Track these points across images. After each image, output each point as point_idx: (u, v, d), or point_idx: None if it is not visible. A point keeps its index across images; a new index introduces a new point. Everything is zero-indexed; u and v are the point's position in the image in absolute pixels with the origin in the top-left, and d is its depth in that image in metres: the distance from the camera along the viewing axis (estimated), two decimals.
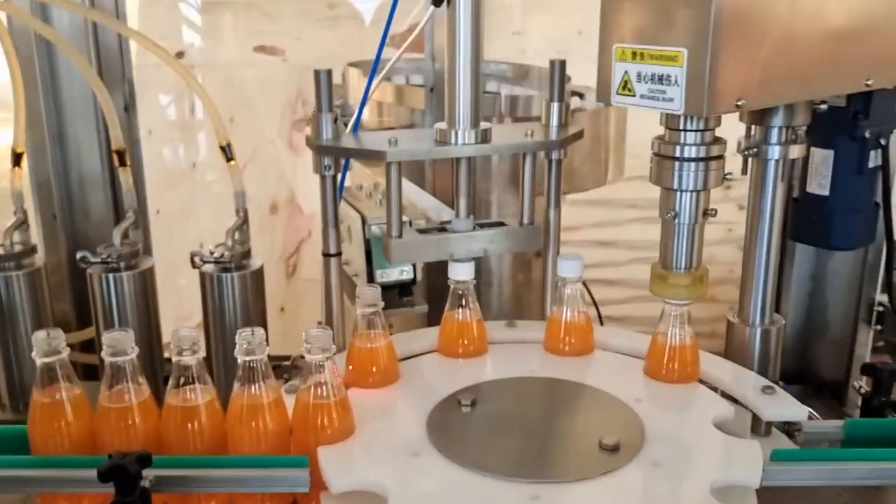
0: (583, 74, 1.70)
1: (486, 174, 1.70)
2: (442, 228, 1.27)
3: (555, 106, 1.31)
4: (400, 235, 1.23)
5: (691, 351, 1.20)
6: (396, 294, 1.51)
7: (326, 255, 1.26)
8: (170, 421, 1.05)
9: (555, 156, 1.32)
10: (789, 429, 1.17)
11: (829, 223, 1.34)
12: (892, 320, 2.65)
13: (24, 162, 1.53)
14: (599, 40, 1.10)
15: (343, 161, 1.25)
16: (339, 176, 1.26)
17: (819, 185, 1.32)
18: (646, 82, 1.05)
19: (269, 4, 3.23)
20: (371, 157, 1.17)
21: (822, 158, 1.31)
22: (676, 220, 1.16)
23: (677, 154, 1.12)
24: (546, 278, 1.40)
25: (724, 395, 1.20)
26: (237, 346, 1.02)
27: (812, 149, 1.33)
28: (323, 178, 1.23)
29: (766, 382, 1.17)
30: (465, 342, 1.27)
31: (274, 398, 1.04)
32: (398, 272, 1.46)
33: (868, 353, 1.74)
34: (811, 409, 1.24)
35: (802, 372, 1.78)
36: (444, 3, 1.14)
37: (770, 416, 1.12)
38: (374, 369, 1.18)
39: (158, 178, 3.31)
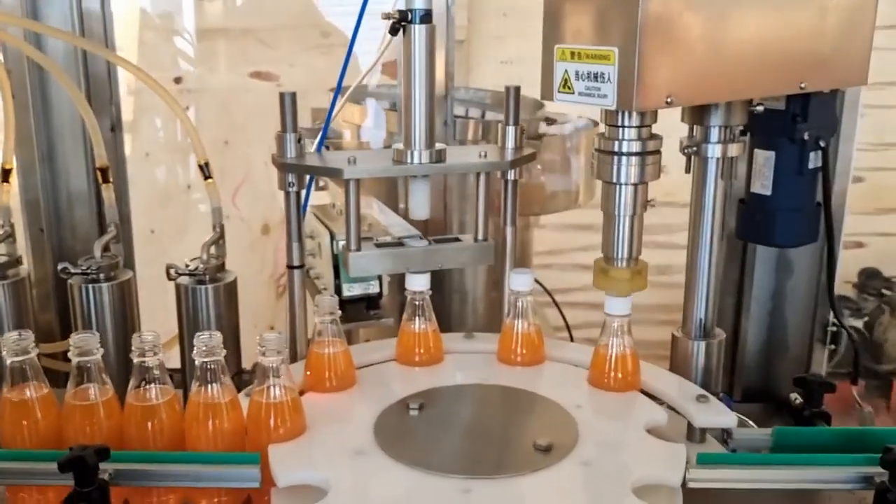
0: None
1: (463, 195, 1.78)
2: (399, 243, 1.35)
3: (510, 129, 1.39)
4: (359, 249, 1.30)
5: (632, 361, 1.26)
6: (364, 307, 1.58)
7: (290, 266, 1.33)
8: (130, 419, 1.11)
9: (510, 176, 1.40)
10: (722, 436, 1.23)
11: (771, 222, 1.39)
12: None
13: (13, 178, 1.61)
14: (543, 42, 1.18)
15: (307, 178, 1.33)
16: (304, 192, 1.33)
17: (762, 185, 1.38)
18: (583, 80, 1.12)
19: (264, 32, 3.34)
20: (329, 174, 1.25)
21: (765, 160, 1.37)
22: (615, 213, 1.23)
23: (616, 149, 1.20)
24: (503, 292, 1.46)
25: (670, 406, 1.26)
26: (195, 348, 1.08)
27: (755, 150, 1.39)
28: (287, 193, 1.30)
29: (701, 392, 1.23)
30: (421, 351, 1.34)
31: (230, 399, 1.11)
32: (364, 286, 1.53)
33: (823, 373, 1.79)
34: (744, 417, 1.30)
35: (765, 389, 1.83)
36: (400, 32, 1.22)
37: (701, 422, 1.18)
38: (331, 375, 1.24)
39: (154, 198, 3.41)
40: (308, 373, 1.25)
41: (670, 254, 2.00)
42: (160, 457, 1.08)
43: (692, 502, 1.05)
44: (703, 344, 1.38)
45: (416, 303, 1.33)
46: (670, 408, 1.24)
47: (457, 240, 1.38)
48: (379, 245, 1.33)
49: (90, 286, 1.52)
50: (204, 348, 1.08)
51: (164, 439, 1.11)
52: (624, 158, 1.20)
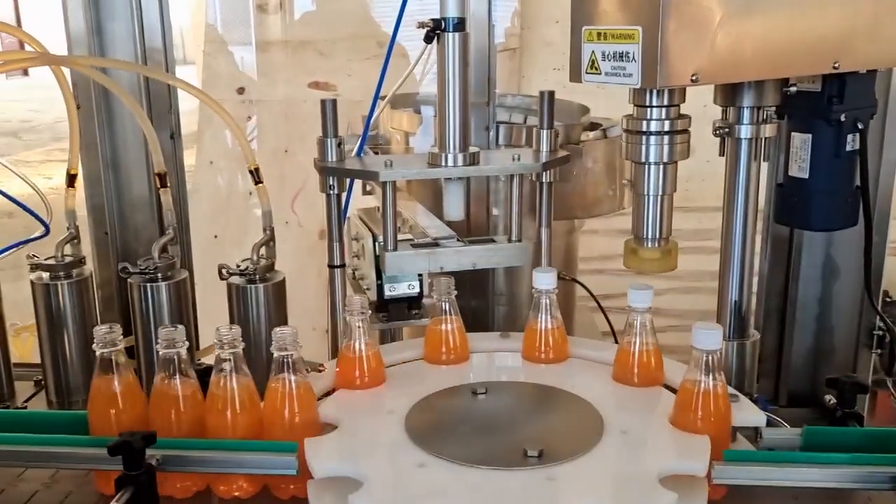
0: (615, 106, 1.80)
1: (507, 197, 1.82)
2: (435, 243, 1.39)
3: (544, 133, 1.42)
4: (395, 248, 1.35)
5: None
6: (405, 307, 1.63)
7: (331, 266, 1.39)
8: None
9: (545, 178, 1.43)
10: (754, 436, 1.24)
11: (807, 205, 1.37)
12: None
13: (79, 183, 1.71)
14: (571, 25, 1.21)
15: (348, 182, 1.38)
16: (345, 195, 1.39)
17: (799, 168, 1.37)
18: (609, 60, 1.15)
19: (322, 44, 3.44)
20: (366, 177, 1.30)
21: (802, 142, 1.35)
22: (644, 193, 1.25)
23: (644, 129, 1.22)
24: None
25: None
26: (274, 343, 1.16)
27: (792, 133, 1.37)
28: (328, 196, 1.36)
29: (732, 391, 1.24)
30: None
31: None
32: (406, 286, 1.58)
33: (870, 378, 1.77)
34: (776, 418, 1.30)
35: (811, 395, 1.81)
36: (434, 39, 1.27)
37: (731, 420, 1.19)
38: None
39: (217, 204, 3.54)
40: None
41: None
42: (204, 444, 1.15)
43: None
44: (736, 344, 1.38)
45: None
46: None
47: (491, 241, 1.41)
48: (415, 245, 1.38)
49: (148, 285, 1.61)
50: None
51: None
52: (652, 138, 1.21)
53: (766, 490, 1.12)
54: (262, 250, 1.66)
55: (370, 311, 1.30)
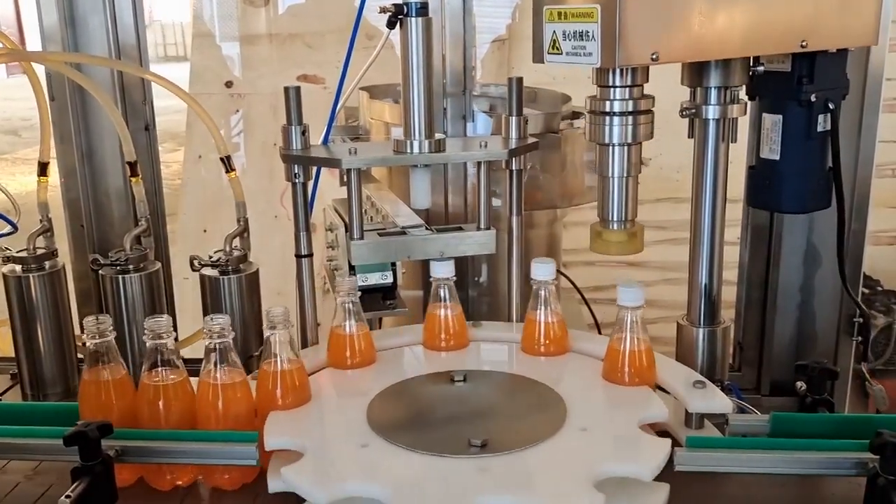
0: None
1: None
2: (402, 232, 1.38)
3: (512, 120, 1.40)
4: (361, 237, 1.34)
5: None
6: (379, 298, 1.61)
7: (298, 256, 1.38)
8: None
9: (514, 166, 1.41)
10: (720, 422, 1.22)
11: (779, 187, 1.35)
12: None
13: (51, 172, 1.71)
14: (533, 6, 1.19)
15: (314, 170, 1.37)
16: (311, 184, 1.38)
17: (770, 149, 1.34)
18: (570, 40, 1.14)
19: (310, 36, 3.42)
20: (329, 164, 1.29)
21: (772, 123, 1.33)
22: (609, 175, 1.23)
23: (606, 109, 1.20)
24: (511, 281, 1.48)
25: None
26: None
27: (763, 114, 1.35)
28: (294, 185, 1.35)
29: (699, 378, 1.22)
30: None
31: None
32: (378, 276, 1.56)
33: (850, 365, 1.75)
34: (746, 405, 1.29)
35: (794, 383, 1.79)
36: (397, 25, 1.26)
37: (696, 407, 1.18)
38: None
39: (206, 199, 3.53)
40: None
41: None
42: (163, 435, 1.14)
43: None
44: (707, 331, 1.36)
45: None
46: None
47: (459, 229, 1.40)
48: (382, 234, 1.36)
49: (120, 277, 1.60)
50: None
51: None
52: (616, 118, 1.20)
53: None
54: (236, 242, 1.65)
55: (360, 294, 1.30)
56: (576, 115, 2.08)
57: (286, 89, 1.31)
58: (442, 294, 1.35)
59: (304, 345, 1.40)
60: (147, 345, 1.15)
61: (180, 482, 1.18)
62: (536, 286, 1.33)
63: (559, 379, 1.26)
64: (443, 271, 1.35)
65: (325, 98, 3.55)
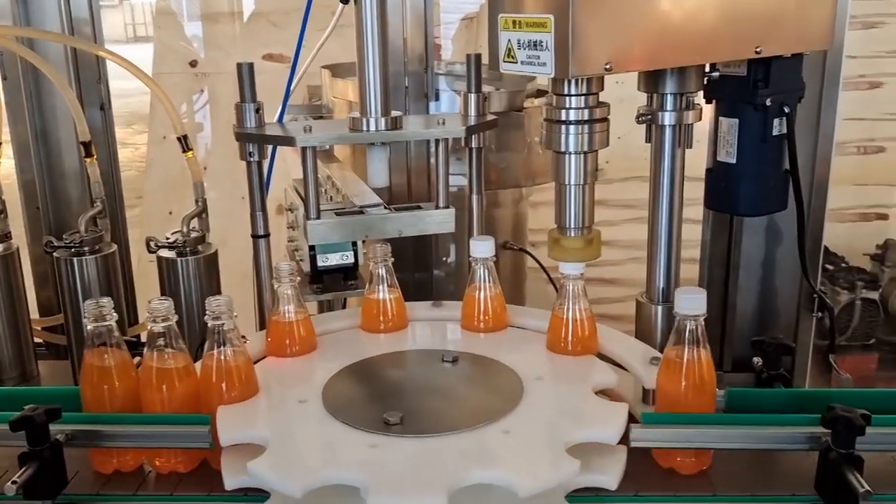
0: None
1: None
2: (360, 211, 1.36)
3: (471, 97, 1.39)
4: (318, 217, 1.32)
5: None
6: (341, 278, 1.60)
7: (255, 236, 1.36)
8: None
9: (473, 143, 1.40)
10: None
11: (736, 190, 1.36)
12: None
13: (5, 153, 1.67)
14: (489, 12, 1.18)
15: (269, 149, 1.35)
16: (266, 163, 1.35)
17: (727, 153, 1.36)
18: (524, 49, 1.13)
19: (275, 15, 3.37)
20: (283, 143, 1.26)
21: (729, 127, 1.34)
22: (565, 182, 1.23)
23: (563, 118, 1.19)
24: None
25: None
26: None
27: (720, 118, 1.36)
28: (248, 164, 1.32)
29: (656, 354, 1.22)
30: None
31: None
32: (339, 256, 1.55)
33: (811, 340, 1.76)
34: None
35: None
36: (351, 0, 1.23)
37: (652, 384, 1.18)
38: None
39: (172, 180, 3.48)
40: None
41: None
42: (114, 418, 1.12)
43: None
44: (665, 308, 1.37)
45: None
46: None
47: (418, 207, 1.38)
48: (339, 213, 1.35)
49: (74, 259, 1.57)
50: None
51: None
52: (572, 127, 1.19)
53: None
54: (194, 223, 1.62)
55: (299, 279, 1.27)
56: (540, 93, 2.07)
57: (239, 66, 1.28)
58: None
59: (262, 327, 1.39)
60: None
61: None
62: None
63: (505, 353, 1.26)
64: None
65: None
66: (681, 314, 1.09)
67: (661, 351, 1.28)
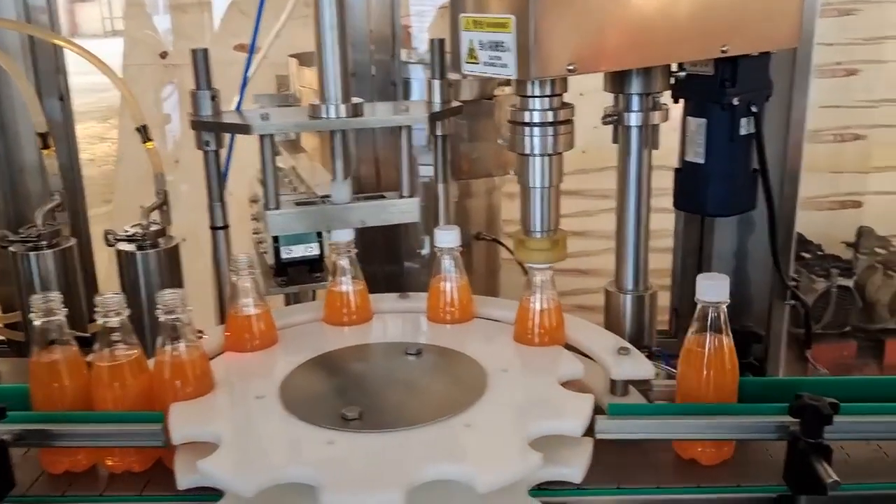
0: None
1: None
2: (321, 201, 1.32)
3: (435, 83, 1.35)
4: (277, 207, 1.28)
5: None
6: (306, 270, 1.56)
7: (213, 228, 1.32)
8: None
9: (439, 131, 1.37)
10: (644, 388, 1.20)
11: (704, 190, 1.35)
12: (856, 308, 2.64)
13: None
14: (450, 12, 1.15)
15: (228, 138, 1.31)
16: (226, 152, 1.32)
17: (695, 153, 1.35)
18: (486, 50, 1.10)
19: (246, 4, 3.32)
20: (239, 131, 1.23)
21: (697, 127, 1.33)
22: (530, 185, 1.20)
23: (526, 120, 1.16)
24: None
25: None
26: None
27: (687, 118, 1.35)
28: (205, 153, 1.29)
29: (624, 344, 1.20)
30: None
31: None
32: (303, 248, 1.52)
33: (784, 329, 1.75)
34: (673, 371, 1.27)
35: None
36: None
37: (618, 374, 1.15)
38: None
39: (144, 174, 3.42)
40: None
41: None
42: (63, 417, 1.08)
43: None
44: (633, 297, 1.34)
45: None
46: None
47: (381, 197, 1.35)
48: (299, 203, 1.31)
49: (31, 254, 1.53)
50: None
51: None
52: (536, 129, 1.17)
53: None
54: (154, 215, 1.58)
55: (258, 271, 1.23)
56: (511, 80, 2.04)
57: (193, 52, 1.24)
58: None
59: (223, 321, 1.35)
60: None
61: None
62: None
63: (471, 345, 1.23)
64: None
65: (261, 68, 3.45)
66: (702, 301, 1.05)
67: (630, 341, 1.26)
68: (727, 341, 1.05)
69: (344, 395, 1.10)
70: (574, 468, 1.02)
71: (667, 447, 1.11)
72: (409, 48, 2.21)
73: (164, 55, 3.37)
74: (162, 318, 1.08)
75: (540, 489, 1.02)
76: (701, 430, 1.04)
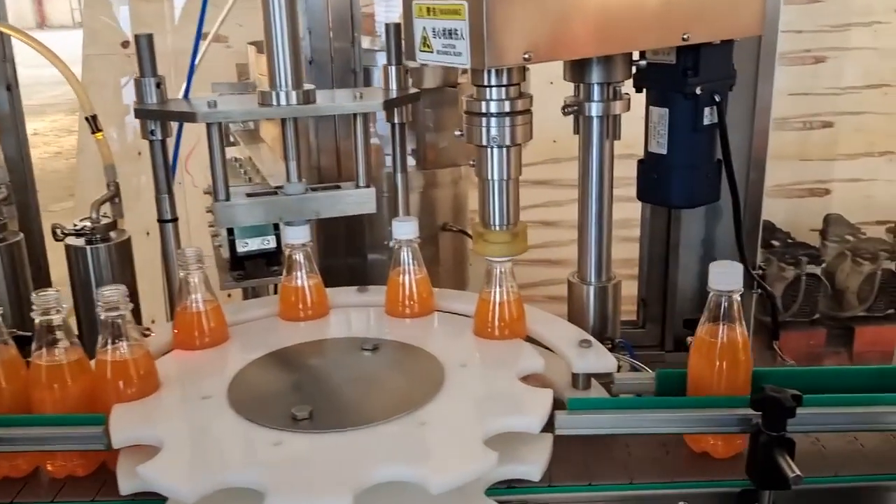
0: None
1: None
2: (273, 192, 1.28)
3: (391, 69, 1.31)
4: (227, 198, 1.23)
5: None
6: (264, 264, 1.52)
7: (161, 221, 1.27)
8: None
9: (396, 119, 1.32)
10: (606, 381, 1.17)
11: (667, 181, 1.32)
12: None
13: None
14: (403, 1, 1.11)
15: (175, 127, 1.26)
16: (172, 141, 1.27)
17: (658, 143, 1.31)
18: (440, 38, 1.06)
19: None
20: (184, 119, 1.18)
21: (659, 117, 1.30)
22: (488, 177, 1.16)
23: (483, 110, 1.12)
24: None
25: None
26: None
27: (650, 107, 1.32)
28: (151, 143, 1.24)
29: (585, 337, 1.17)
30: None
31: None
32: (260, 241, 1.47)
33: (751, 318, 1.73)
34: (639, 364, 1.24)
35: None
36: None
37: (580, 367, 1.12)
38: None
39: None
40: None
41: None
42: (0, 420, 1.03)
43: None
44: (596, 288, 1.31)
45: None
46: None
47: (336, 187, 1.31)
48: (250, 194, 1.26)
49: None
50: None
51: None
52: (493, 119, 1.13)
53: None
54: (105, 208, 1.53)
55: (207, 266, 1.18)
56: None
57: (137, 37, 1.19)
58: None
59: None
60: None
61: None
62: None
63: (429, 339, 1.20)
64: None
65: (227, 56, 3.38)
66: (714, 290, 1.02)
67: (593, 333, 1.23)
68: (741, 331, 1.03)
69: (295, 393, 1.07)
70: (533, 465, 0.99)
71: (640, 441, 1.08)
72: (373, 35, 2.16)
73: (125, 45, 3.29)
74: (103, 315, 1.04)
75: (508, 487, 0.99)
76: (660, 424, 1.01)
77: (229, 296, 1.97)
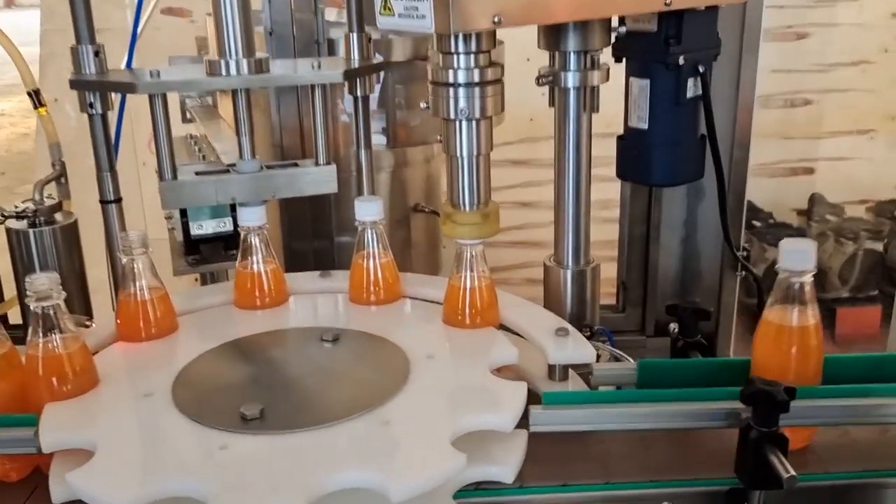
0: None
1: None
2: (225, 170, 1.18)
3: (353, 37, 1.22)
4: (174, 177, 1.14)
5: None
6: (221, 247, 1.43)
7: (103, 202, 1.17)
8: None
9: (359, 91, 1.23)
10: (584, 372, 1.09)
11: (648, 159, 1.23)
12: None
13: None
14: None
15: (118, 99, 1.16)
16: (114, 114, 1.17)
17: (638, 118, 1.22)
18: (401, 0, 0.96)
19: None
20: (122, 89, 1.08)
21: (640, 89, 1.21)
22: (457, 154, 1.07)
23: (450, 80, 1.03)
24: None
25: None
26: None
27: (630, 79, 1.23)
28: (90, 116, 1.14)
29: (563, 325, 1.09)
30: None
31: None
32: (215, 224, 1.38)
33: (735, 302, 1.67)
34: (620, 353, 1.17)
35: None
36: None
37: (556, 358, 1.04)
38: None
39: (67, 146, 3.22)
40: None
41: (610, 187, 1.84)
42: None
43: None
44: (574, 272, 1.23)
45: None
46: None
47: (294, 165, 1.21)
48: (199, 173, 1.17)
49: None
50: None
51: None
52: (461, 90, 1.03)
53: None
54: (50, 189, 1.42)
55: (151, 250, 1.09)
56: None
57: (72, 2, 1.08)
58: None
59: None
60: None
61: None
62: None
63: (395, 328, 1.11)
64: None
65: (191, 31, 3.26)
66: (786, 270, 0.93)
67: (571, 320, 1.15)
68: (813, 313, 0.95)
69: (246, 390, 0.98)
70: (505, 467, 0.92)
71: (620, 436, 1.01)
72: (339, 7, 2.06)
73: None
74: (33, 305, 0.94)
75: (477, 489, 0.91)
76: (642, 419, 0.94)
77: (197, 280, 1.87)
